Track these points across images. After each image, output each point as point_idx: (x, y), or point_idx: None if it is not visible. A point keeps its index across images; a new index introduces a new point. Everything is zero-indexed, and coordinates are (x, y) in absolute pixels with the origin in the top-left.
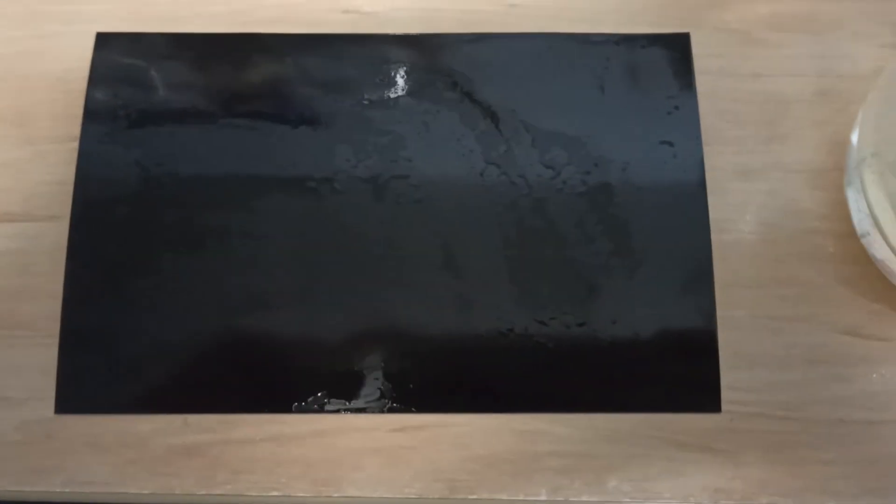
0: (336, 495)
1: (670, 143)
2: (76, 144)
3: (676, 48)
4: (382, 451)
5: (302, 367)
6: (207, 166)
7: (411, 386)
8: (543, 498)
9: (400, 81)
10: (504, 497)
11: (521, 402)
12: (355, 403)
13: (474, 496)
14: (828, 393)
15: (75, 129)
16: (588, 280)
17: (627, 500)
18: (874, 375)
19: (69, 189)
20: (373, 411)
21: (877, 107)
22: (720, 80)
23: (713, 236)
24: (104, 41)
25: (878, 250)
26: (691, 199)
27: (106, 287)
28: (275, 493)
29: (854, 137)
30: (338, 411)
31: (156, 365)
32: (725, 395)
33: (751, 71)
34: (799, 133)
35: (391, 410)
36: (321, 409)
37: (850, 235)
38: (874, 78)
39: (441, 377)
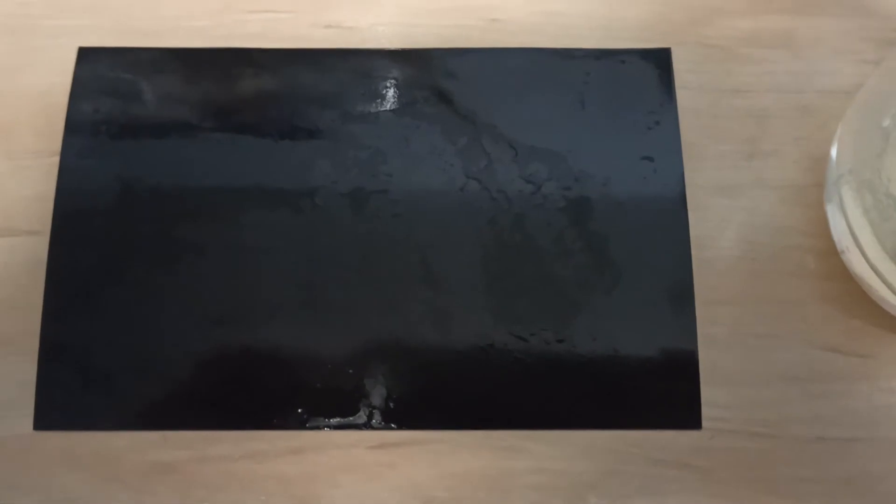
0: None
1: (651, 159)
2: (58, 159)
3: (657, 63)
4: (360, 468)
5: (280, 383)
6: (188, 180)
7: (390, 403)
8: None
9: (381, 96)
10: None
11: (500, 418)
12: (334, 420)
13: None
14: (807, 410)
15: (56, 143)
16: (568, 296)
17: None
18: (853, 392)
19: (50, 204)
20: (351, 428)
21: (855, 123)
22: (701, 96)
23: (693, 252)
24: (86, 56)
25: (857, 266)
26: (672, 215)
27: (86, 302)
28: None
29: (833, 153)
30: (317, 428)
31: (135, 380)
32: (705, 411)
33: (732, 87)
34: (779, 149)
35: (369, 427)
36: (300, 426)
37: (830, 252)
38: (854, 94)
39: (419, 393)
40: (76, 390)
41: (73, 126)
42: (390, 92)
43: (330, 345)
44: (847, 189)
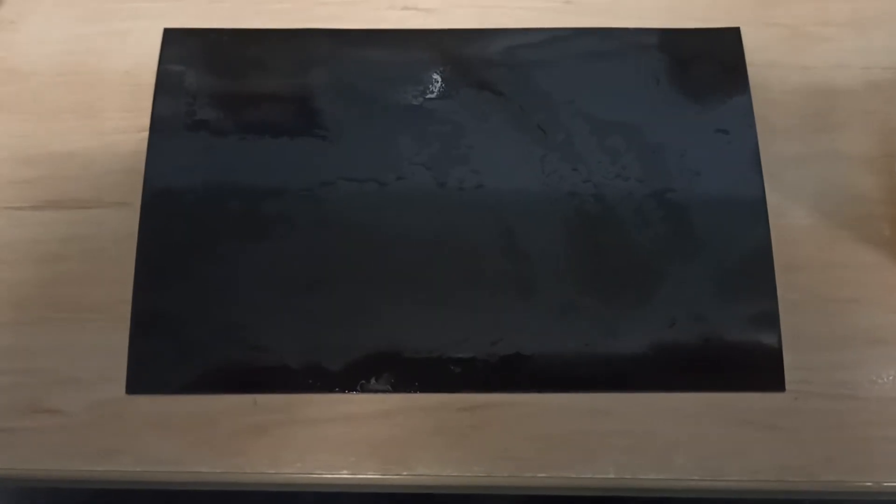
0: (405, 474)
1: (725, 132)
2: (144, 135)
3: (728, 42)
4: (449, 431)
5: (368, 347)
6: (274, 156)
7: (476, 366)
8: (612, 476)
9: (459, 74)
10: (572, 475)
11: (586, 381)
12: (421, 383)
13: (543, 474)
14: (888, 372)
15: (143, 120)
16: (649, 263)
17: (695, 478)
18: None
19: (137, 177)
20: (438, 391)
21: None
22: (770, 73)
23: (771, 221)
24: (171, 37)
25: None
26: (748, 185)
27: (175, 270)
28: (344, 473)
29: None
30: (405, 391)
31: (225, 346)
32: (788, 374)
33: (799, 64)
34: (848, 122)
35: (456, 390)
36: (388, 389)
37: None
38: None
39: (506, 357)
40: (167, 355)
41: (162, 104)
42: (468, 70)
43: (416, 311)
44: None
